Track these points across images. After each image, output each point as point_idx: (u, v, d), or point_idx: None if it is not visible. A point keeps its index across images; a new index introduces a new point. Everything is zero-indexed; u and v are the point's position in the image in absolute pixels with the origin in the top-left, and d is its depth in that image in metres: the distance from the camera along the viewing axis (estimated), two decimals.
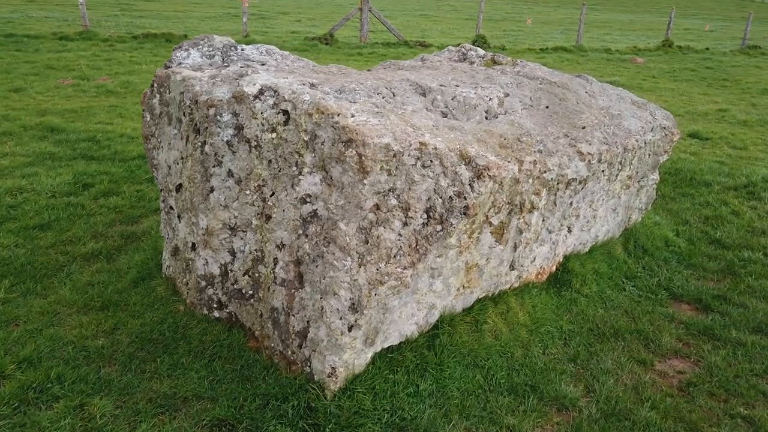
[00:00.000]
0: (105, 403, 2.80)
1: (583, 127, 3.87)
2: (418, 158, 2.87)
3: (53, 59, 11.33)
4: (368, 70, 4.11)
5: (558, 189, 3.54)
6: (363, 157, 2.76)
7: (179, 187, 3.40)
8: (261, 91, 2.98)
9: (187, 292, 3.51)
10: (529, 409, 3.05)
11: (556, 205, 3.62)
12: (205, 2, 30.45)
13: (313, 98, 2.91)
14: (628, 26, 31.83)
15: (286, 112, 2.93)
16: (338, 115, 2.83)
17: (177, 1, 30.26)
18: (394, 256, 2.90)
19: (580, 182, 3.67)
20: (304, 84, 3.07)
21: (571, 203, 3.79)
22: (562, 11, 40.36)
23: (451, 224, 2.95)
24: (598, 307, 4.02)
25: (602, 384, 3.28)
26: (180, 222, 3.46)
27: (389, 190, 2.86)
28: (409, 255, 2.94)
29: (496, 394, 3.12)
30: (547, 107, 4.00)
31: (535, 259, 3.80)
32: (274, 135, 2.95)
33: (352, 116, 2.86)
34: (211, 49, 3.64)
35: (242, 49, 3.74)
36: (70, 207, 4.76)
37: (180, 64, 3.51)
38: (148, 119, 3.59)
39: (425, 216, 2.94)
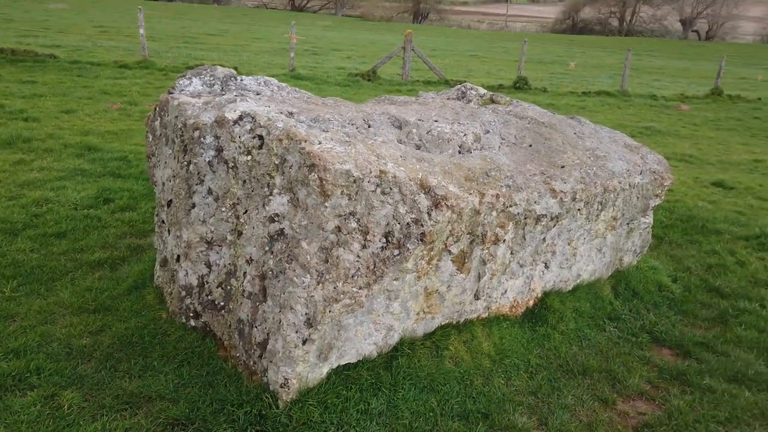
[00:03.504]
0: (74, 396, 3.05)
1: (562, 166, 3.97)
2: (378, 185, 3.05)
3: (109, 85, 12.16)
4: (360, 104, 4.35)
5: (527, 224, 3.64)
6: (324, 181, 2.97)
7: (170, 203, 3.68)
8: (240, 117, 3.26)
9: (171, 301, 3.76)
10: None
11: (525, 240, 3.72)
12: (264, 38, 31.84)
13: (286, 125, 3.16)
14: (682, 73, 31.33)
15: (261, 137, 3.18)
16: (305, 142, 3.06)
17: (239, 35, 31.80)
18: (352, 277, 3.07)
19: (552, 219, 3.76)
20: (281, 112, 3.33)
21: (544, 239, 3.87)
22: (616, 56, 40.10)
23: (408, 249, 3.11)
24: (572, 345, 4.04)
25: (557, 418, 3.31)
26: (169, 235, 3.74)
27: (350, 214, 3.05)
28: (366, 276, 3.10)
29: (446, 419, 3.20)
30: (530, 145, 4.13)
31: (506, 291, 3.88)
32: (249, 157, 3.21)
33: (319, 143, 3.09)
34: (212, 78, 3.97)
35: (241, 80, 4.05)
36: (88, 219, 5.15)
37: (182, 91, 3.85)
38: (150, 139, 3.92)
39: (384, 240, 3.10)
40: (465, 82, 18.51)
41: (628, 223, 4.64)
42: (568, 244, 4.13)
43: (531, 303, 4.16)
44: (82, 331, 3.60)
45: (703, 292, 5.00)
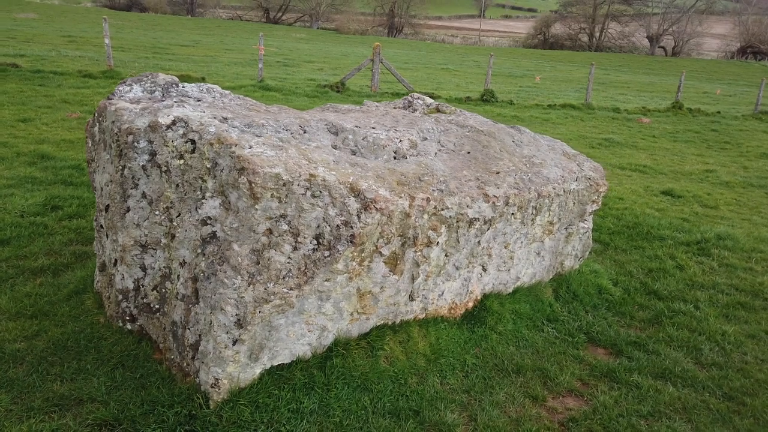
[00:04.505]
0: (3, 398, 3.04)
1: (497, 172, 4.10)
2: (307, 188, 3.13)
3: (71, 94, 12.06)
4: (303, 111, 4.43)
5: (460, 227, 3.75)
6: (253, 184, 3.03)
7: (107, 207, 3.71)
8: (174, 122, 3.31)
9: (109, 306, 3.77)
10: (405, 431, 3.19)
11: (459, 242, 3.82)
12: (237, 49, 31.84)
13: (218, 130, 3.22)
14: (647, 87, 32.17)
15: (193, 142, 3.24)
16: (236, 146, 3.13)
17: (210, 47, 31.74)
18: (283, 278, 3.13)
19: (485, 222, 3.87)
20: (215, 117, 3.40)
21: (479, 242, 3.98)
22: (584, 71, 41.02)
23: (338, 251, 3.18)
24: (509, 345, 4.14)
25: (486, 414, 3.40)
26: (107, 240, 3.76)
27: (280, 216, 3.12)
28: (297, 277, 3.16)
29: (377, 416, 3.27)
30: (468, 152, 4.26)
31: (443, 293, 3.97)
32: (181, 161, 3.26)
33: (250, 147, 3.16)
34: (153, 85, 4.01)
35: (183, 87, 4.10)
36: (34, 226, 5.12)
37: (121, 97, 3.88)
38: (90, 145, 3.95)
39: (315, 242, 3.18)
40: (432, 93, 18.78)
41: (566, 228, 4.79)
42: (505, 247, 4.25)
43: (470, 305, 4.26)
44: (17, 335, 3.59)
45: (642, 295, 5.17)
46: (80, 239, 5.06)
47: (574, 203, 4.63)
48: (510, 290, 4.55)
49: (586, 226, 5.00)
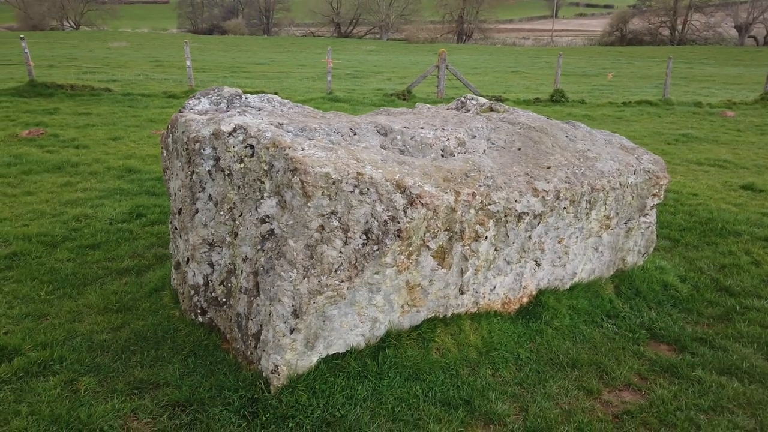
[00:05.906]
0: (91, 381, 3.41)
1: (548, 167, 4.13)
2: (355, 186, 3.31)
3: (156, 114, 12.98)
4: (357, 116, 4.63)
5: (508, 221, 3.81)
6: (305, 183, 3.25)
7: (180, 210, 4.05)
8: (234, 129, 3.60)
9: (183, 300, 4.11)
10: (455, 420, 3.28)
11: (509, 237, 3.87)
12: (309, 64, 32.91)
13: (273, 135, 3.47)
14: (734, 80, 30.33)
15: (251, 146, 3.51)
16: (289, 148, 3.36)
17: (284, 63, 33.01)
18: (335, 271, 3.33)
19: (535, 216, 3.91)
20: (271, 124, 3.65)
21: (530, 237, 4.02)
22: (664, 65, 39.21)
23: (386, 245, 3.34)
24: (565, 340, 4.13)
25: (538, 405, 3.43)
26: (180, 240, 4.11)
27: (331, 213, 3.32)
28: (348, 270, 3.35)
29: (428, 404, 3.38)
30: (519, 149, 4.31)
31: (495, 287, 4.03)
32: (242, 165, 3.53)
33: (302, 149, 3.38)
34: (219, 97, 4.35)
35: (246, 98, 4.41)
36: (121, 232, 5.62)
37: (191, 109, 4.24)
38: (165, 155, 4.33)
39: (364, 237, 3.35)
40: (499, 96, 18.62)
41: (625, 222, 4.71)
42: (559, 242, 4.25)
43: (525, 300, 4.29)
44: (104, 327, 3.99)
45: (712, 291, 4.98)
46: (161, 242, 5.50)
47: (632, 197, 4.56)
48: (567, 286, 4.53)
49: (648, 220, 4.89)
